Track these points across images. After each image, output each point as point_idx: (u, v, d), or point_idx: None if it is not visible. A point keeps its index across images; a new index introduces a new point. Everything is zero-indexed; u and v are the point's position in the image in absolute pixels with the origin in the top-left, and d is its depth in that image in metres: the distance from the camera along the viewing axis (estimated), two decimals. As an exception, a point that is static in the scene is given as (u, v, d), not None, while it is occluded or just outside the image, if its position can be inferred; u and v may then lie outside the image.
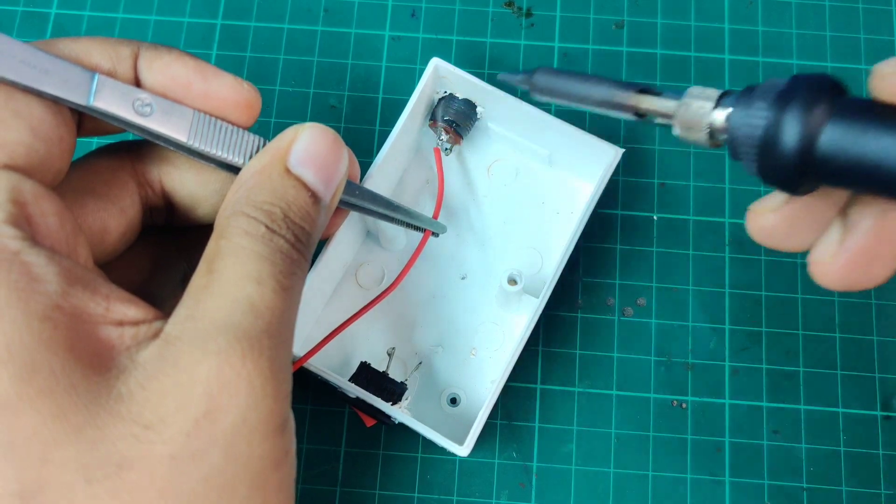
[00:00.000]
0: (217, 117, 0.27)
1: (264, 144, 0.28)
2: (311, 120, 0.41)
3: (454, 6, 0.43)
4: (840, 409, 0.38)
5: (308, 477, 0.37)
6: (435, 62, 0.36)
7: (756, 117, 0.24)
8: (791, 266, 0.39)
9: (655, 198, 0.40)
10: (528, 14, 0.43)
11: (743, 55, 0.42)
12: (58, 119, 0.25)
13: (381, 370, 0.35)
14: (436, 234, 0.35)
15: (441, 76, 0.37)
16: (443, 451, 0.37)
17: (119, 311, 0.23)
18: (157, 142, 0.27)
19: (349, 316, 0.34)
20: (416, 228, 0.34)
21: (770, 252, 0.39)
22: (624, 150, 0.36)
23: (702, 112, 0.25)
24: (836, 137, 0.22)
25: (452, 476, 0.37)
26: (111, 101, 0.25)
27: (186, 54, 0.27)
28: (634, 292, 0.39)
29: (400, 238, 0.38)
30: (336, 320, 0.37)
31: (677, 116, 0.26)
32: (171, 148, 0.27)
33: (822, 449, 0.37)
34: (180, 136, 0.26)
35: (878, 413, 0.38)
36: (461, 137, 0.38)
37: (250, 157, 0.27)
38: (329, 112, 0.42)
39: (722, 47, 0.43)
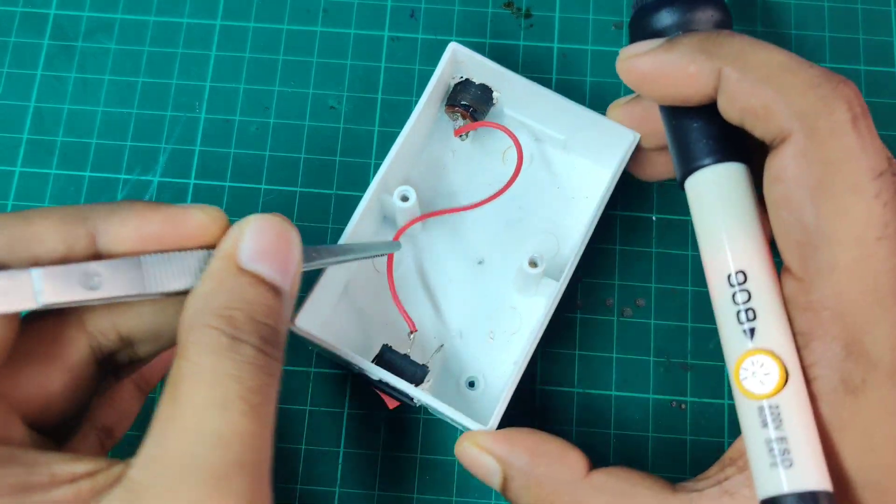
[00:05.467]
0: (174, 249, 0.26)
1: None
2: (311, 120, 0.41)
3: (453, 7, 0.43)
4: (839, 410, 0.38)
5: (307, 477, 0.37)
6: (453, 46, 0.36)
7: None
8: (790, 266, 0.39)
9: (655, 198, 0.40)
10: (528, 15, 0.43)
11: (742, 56, 0.42)
12: None
13: (402, 352, 0.35)
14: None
15: (458, 60, 0.37)
16: (442, 451, 0.37)
17: (65, 469, 0.23)
18: (112, 301, 0.25)
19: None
20: (379, 255, 0.34)
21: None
22: (640, 135, 0.35)
23: None
24: None
25: (451, 476, 0.37)
26: (59, 290, 0.24)
27: (149, 206, 0.26)
28: (633, 293, 0.39)
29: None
30: (354, 305, 0.37)
31: None
32: (127, 300, 0.25)
33: (822, 449, 0.37)
34: (136, 290, 0.25)
35: (878, 414, 0.38)
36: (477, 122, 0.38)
37: (202, 271, 0.26)
38: (328, 113, 0.42)
39: (721, 48, 0.43)
